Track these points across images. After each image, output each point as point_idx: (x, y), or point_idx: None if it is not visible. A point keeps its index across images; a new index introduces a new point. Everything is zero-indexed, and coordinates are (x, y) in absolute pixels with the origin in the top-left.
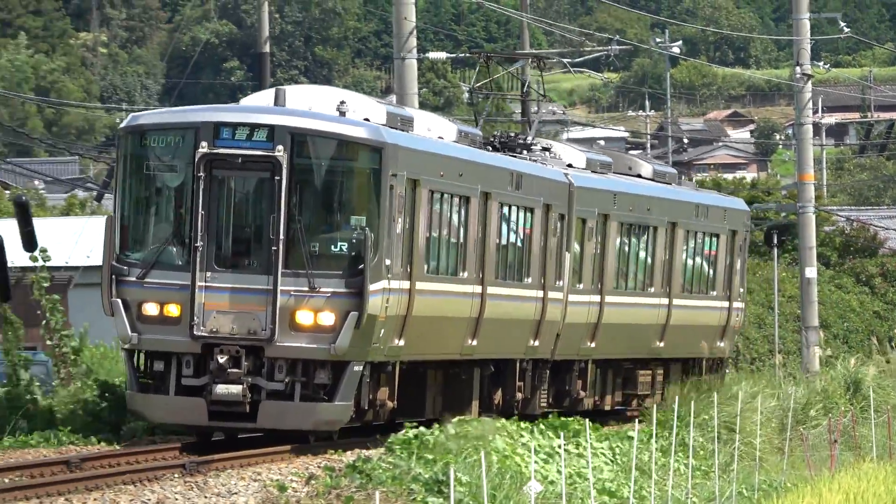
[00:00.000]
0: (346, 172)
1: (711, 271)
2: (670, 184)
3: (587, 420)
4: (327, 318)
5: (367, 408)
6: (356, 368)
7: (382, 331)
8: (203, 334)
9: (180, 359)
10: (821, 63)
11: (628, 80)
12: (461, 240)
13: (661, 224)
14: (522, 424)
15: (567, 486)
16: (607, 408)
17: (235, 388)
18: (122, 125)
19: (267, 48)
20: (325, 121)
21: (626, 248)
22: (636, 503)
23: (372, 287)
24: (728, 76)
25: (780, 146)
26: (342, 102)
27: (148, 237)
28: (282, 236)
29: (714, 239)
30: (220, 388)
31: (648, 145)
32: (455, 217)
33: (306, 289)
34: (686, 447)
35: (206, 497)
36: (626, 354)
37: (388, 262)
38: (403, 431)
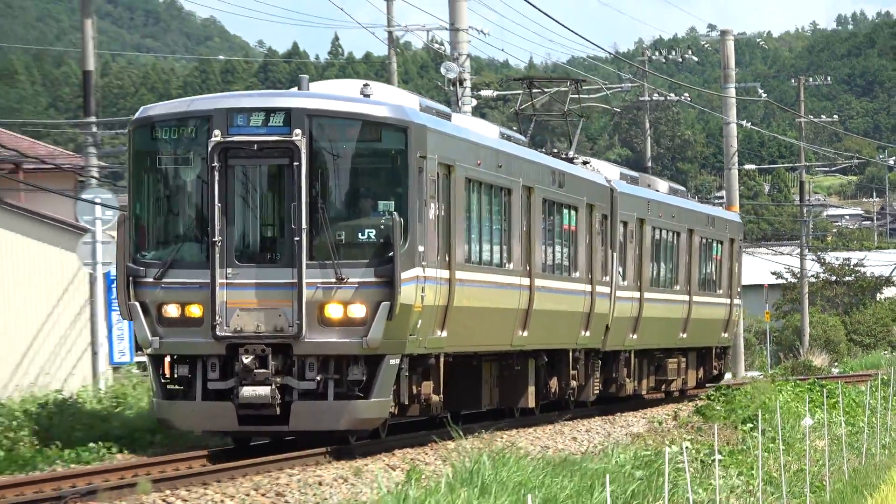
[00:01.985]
0: (369, 155)
1: (718, 273)
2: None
3: (839, 381)
4: (357, 311)
5: (407, 403)
6: (392, 362)
7: (420, 322)
8: (227, 334)
9: (205, 362)
10: None
11: (863, 180)
12: (504, 231)
13: (683, 230)
14: (796, 385)
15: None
16: (644, 392)
17: (263, 390)
18: (133, 118)
19: (649, 163)
20: (346, 101)
21: (657, 250)
22: (868, 431)
23: (404, 275)
24: None
25: None
26: (366, 85)
27: (164, 235)
28: (304, 225)
29: (719, 245)
30: (247, 391)
31: (874, 218)
32: (496, 208)
33: (333, 280)
34: None
35: (617, 427)
36: (659, 345)
37: (421, 248)
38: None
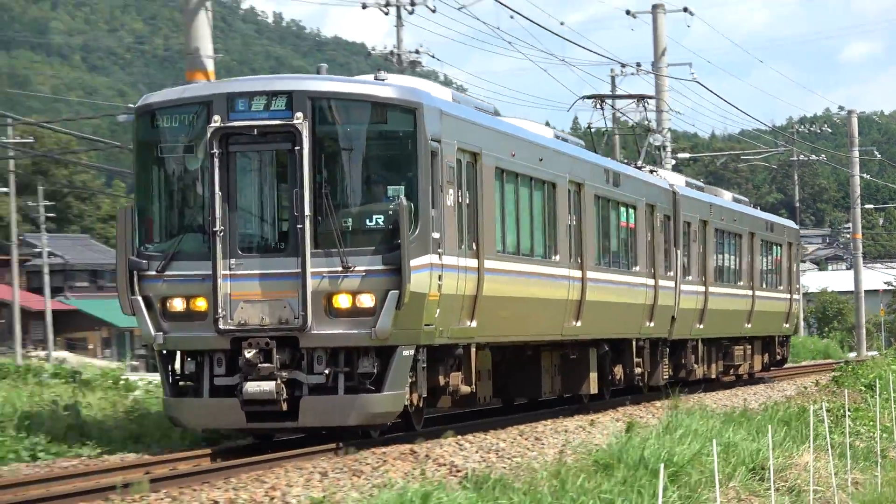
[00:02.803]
0: (375, 137)
1: (778, 271)
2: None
3: None
4: (365, 300)
5: (427, 395)
6: (405, 353)
7: (438, 311)
8: (230, 328)
9: (211, 357)
10: None
11: None
12: (549, 224)
13: (744, 233)
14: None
15: None
16: (713, 376)
17: (268, 385)
18: (136, 105)
19: (797, 204)
20: (350, 83)
21: (721, 249)
22: None
23: (414, 262)
24: None
25: None
26: (378, 70)
27: (167, 226)
28: (307, 212)
29: (779, 247)
30: (251, 386)
31: None
32: (537, 200)
33: (339, 269)
34: None
35: (775, 391)
36: (725, 334)
37: (436, 235)
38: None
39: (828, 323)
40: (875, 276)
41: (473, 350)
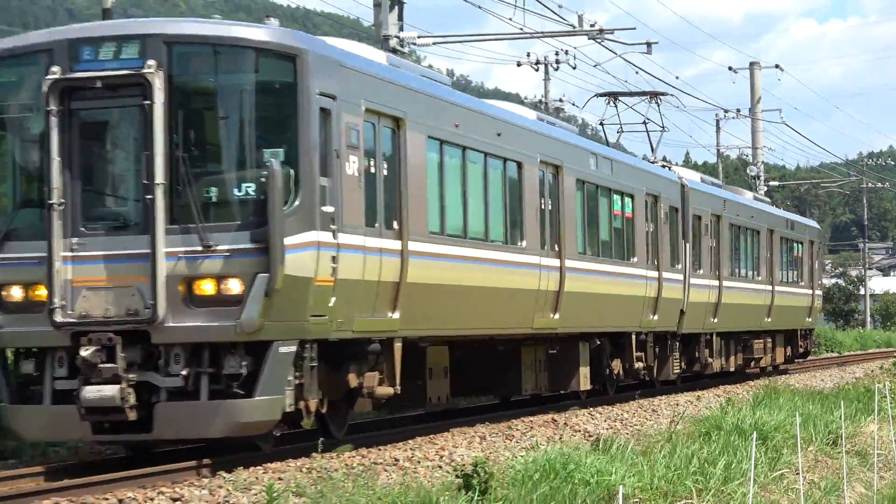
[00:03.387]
0: (244, 90)
1: (799, 267)
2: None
3: None
4: (231, 286)
5: (317, 398)
6: (283, 350)
7: (333, 299)
8: (68, 320)
9: (53, 355)
10: None
11: None
12: (513, 207)
13: (762, 229)
14: None
15: None
16: (731, 369)
17: (109, 390)
18: None
19: (866, 222)
20: (215, 25)
21: (736, 244)
22: None
23: (291, 240)
24: None
25: None
26: (267, 17)
27: (3, 200)
28: (160, 180)
29: (800, 245)
30: (90, 391)
31: None
32: (495, 180)
33: (199, 248)
34: None
35: (846, 373)
36: (743, 328)
37: (328, 209)
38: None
39: (890, 318)
40: None
41: (398, 346)
